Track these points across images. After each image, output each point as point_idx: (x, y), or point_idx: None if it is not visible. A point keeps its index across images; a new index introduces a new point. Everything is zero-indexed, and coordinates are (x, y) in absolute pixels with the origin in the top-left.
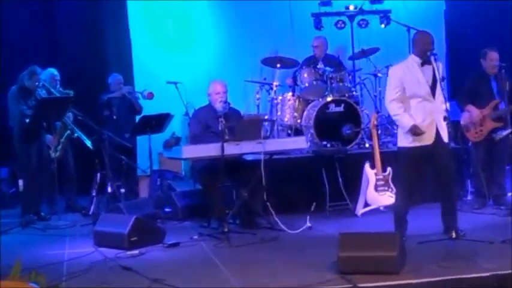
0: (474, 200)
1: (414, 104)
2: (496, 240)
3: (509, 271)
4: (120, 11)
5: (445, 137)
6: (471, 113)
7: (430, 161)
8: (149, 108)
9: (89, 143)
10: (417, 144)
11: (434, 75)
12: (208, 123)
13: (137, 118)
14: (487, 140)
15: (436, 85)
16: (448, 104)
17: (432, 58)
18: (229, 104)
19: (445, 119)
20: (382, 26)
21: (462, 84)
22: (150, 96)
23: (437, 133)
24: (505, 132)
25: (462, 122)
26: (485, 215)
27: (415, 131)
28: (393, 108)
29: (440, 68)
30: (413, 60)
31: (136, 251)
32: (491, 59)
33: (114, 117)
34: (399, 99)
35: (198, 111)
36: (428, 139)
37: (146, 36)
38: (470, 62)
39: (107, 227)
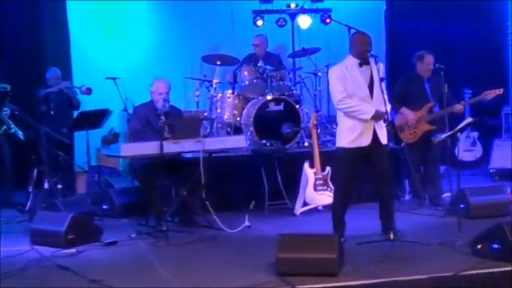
0: (412, 200)
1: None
2: (433, 242)
3: (446, 273)
4: (59, 5)
5: (384, 139)
6: (405, 115)
7: (367, 161)
8: (87, 104)
9: (20, 134)
10: (354, 145)
11: (372, 76)
12: (148, 119)
13: (75, 113)
14: (421, 142)
15: (373, 86)
16: (389, 107)
17: (372, 60)
18: (168, 101)
19: (384, 120)
20: (328, 20)
21: (395, 85)
22: (88, 91)
23: (375, 135)
24: (443, 136)
25: (396, 123)
26: (423, 216)
27: (379, 116)
28: (347, 103)
29: (381, 69)
30: (352, 60)
31: (73, 250)
32: (428, 63)
33: (52, 112)
34: (347, 96)
35: (139, 107)
36: (365, 141)
37: (85, 31)
38: (410, 62)
39: (43, 225)
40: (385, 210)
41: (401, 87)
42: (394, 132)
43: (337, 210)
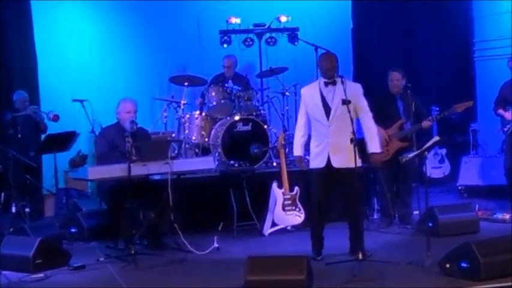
0: (381, 219)
1: (313, 127)
2: (402, 261)
3: None
4: (26, 29)
5: (341, 162)
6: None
7: (334, 181)
8: (55, 127)
9: None
10: (313, 166)
11: (338, 96)
12: (115, 142)
13: (42, 137)
14: (393, 159)
15: (337, 107)
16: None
17: (339, 79)
18: (136, 123)
19: (351, 141)
20: (296, 44)
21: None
22: (56, 118)
23: (329, 156)
24: (410, 155)
25: None
26: (392, 235)
27: (298, 162)
28: (295, 132)
29: (355, 89)
30: (320, 81)
31: (41, 274)
32: (392, 79)
33: (19, 135)
34: (305, 122)
35: (106, 129)
36: (320, 162)
37: (52, 55)
38: (377, 80)
39: (11, 250)
40: (354, 231)
41: (375, 105)
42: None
43: (312, 229)
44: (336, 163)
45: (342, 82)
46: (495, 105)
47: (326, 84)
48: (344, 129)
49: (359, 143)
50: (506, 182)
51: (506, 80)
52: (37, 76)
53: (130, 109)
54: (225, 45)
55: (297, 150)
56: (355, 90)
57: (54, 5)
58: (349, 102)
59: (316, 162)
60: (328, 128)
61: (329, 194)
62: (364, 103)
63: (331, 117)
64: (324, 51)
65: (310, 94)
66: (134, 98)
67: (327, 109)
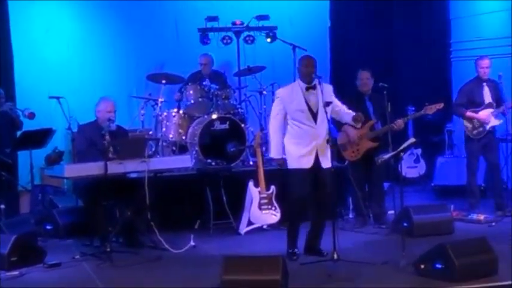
0: (355, 218)
1: (297, 129)
2: (377, 261)
3: None
4: (2, 25)
5: (326, 163)
6: (347, 133)
7: (314, 181)
8: (31, 123)
9: None
10: (297, 166)
11: (319, 100)
12: (93, 139)
13: (18, 133)
14: (364, 159)
15: (318, 111)
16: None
17: (317, 81)
18: (113, 122)
19: (328, 141)
20: (268, 40)
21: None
22: (31, 116)
23: (317, 158)
24: (386, 156)
25: (339, 142)
26: (367, 234)
27: (282, 164)
28: (271, 128)
29: (329, 91)
30: (299, 85)
31: (16, 272)
32: (361, 78)
33: None
34: (281, 120)
35: (84, 126)
36: (307, 164)
37: (28, 51)
38: (354, 79)
39: None
40: (316, 230)
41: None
42: (337, 150)
43: (291, 227)
44: (324, 164)
45: (320, 83)
46: (457, 107)
47: (307, 89)
48: (325, 131)
49: (334, 143)
50: (467, 181)
51: (466, 81)
52: (13, 73)
53: (111, 109)
54: (208, 42)
55: (279, 153)
56: (330, 90)
57: (31, 1)
58: (331, 103)
59: (302, 162)
60: (316, 130)
61: (308, 193)
62: (337, 101)
63: (319, 120)
64: (303, 53)
65: (292, 97)
66: (111, 95)
67: (313, 112)
